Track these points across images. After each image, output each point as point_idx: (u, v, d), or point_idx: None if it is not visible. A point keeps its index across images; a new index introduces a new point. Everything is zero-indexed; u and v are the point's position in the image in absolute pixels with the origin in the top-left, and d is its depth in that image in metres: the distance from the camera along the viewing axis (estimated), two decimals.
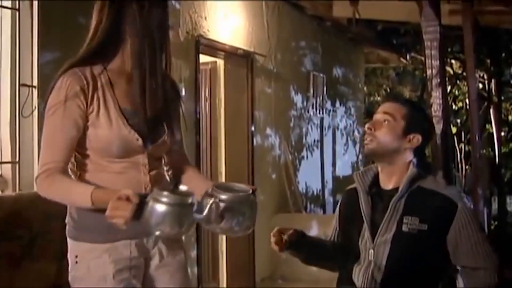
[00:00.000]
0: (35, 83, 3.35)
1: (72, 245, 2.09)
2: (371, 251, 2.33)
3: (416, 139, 2.38)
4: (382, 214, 2.35)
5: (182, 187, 2.08)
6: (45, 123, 2.02)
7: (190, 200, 1.86)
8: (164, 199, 1.82)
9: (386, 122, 2.38)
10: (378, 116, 2.41)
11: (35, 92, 3.34)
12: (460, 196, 2.36)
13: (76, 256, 2.06)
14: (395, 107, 2.42)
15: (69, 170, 2.06)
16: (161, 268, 2.14)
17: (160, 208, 1.81)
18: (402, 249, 2.29)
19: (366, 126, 2.42)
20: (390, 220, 2.32)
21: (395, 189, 2.36)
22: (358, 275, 2.36)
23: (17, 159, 3.30)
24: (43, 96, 3.36)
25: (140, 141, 2.04)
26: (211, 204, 1.90)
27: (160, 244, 2.14)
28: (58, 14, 3.50)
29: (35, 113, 3.34)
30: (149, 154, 2.08)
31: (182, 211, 1.84)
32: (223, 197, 1.97)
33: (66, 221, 2.12)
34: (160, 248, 2.14)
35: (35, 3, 3.32)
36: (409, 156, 2.39)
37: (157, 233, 1.87)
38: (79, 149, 2.05)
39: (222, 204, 1.96)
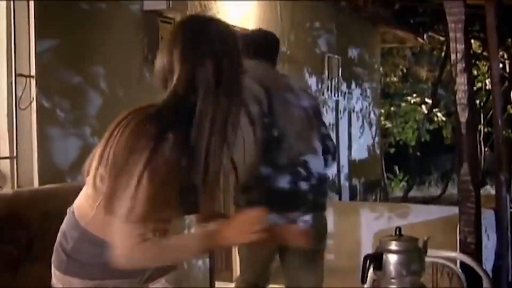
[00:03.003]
0: (32, 73, 3.19)
1: (58, 276, 1.94)
2: None
3: None
4: None
5: None
6: None
7: None
8: None
9: None
10: None
11: (33, 82, 3.19)
12: None
13: None
14: None
15: None
16: None
17: None
18: None
19: None
20: None
21: None
22: None
23: (14, 154, 3.14)
24: (42, 87, 3.26)
25: None
26: None
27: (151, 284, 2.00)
28: (55, 1, 3.33)
29: (33, 104, 3.18)
30: None
31: None
32: None
33: (55, 248, 1.96)
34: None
35: None
36: None
37: None
38: None
39: None
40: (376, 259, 2.00)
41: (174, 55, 1.79)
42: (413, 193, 11.34)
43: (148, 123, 1.72)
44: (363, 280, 1.99)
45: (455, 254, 2.77)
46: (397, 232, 2.03)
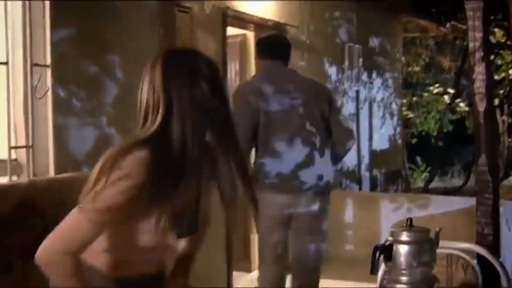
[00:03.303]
0: (48, 62, 3.20)
1: None
2: None
3: None
4: None
5: None
6: None
7: None
8: None
9: None
10: None
11: (49, 72, 3.19)
12: None
13: None
14: None
15: None
16: None
17: None
18: None
19: None
20: None
21: None
22: None
23: (30, 143, 3.16)
24: (57, 76, 3.27)
25: None
26: None
27: None
28: None
29: (49, 94, 3.19)
30: None
31: None
32: None
33: None
34: None
35: None
36: None
37: None
38: None
39: None
40: (386, 250, 1.97)
41: (156, 88, 1.76)
42: (435, 184, 11.25)
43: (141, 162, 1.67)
44: (373, 271, 1.96)
45: (470, 246, 2.74)
46: (408, 223, 2.01)
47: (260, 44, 3.84)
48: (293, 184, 3.55)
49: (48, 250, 1.67)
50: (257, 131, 3.53)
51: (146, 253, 1.82)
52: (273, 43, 3.81)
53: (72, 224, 1.68)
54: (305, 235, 3.69)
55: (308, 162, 3.57)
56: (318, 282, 3.80)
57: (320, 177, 3.62)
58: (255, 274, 5.57)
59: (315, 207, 3.64)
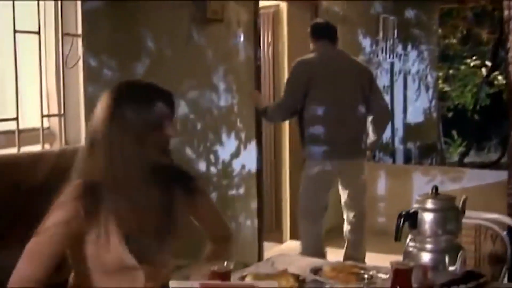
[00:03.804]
0: (79, 32, 3.23)
1: None
2: None
3: None
4: None
5: None
6: None
7: None
8: None
9: None
10: None
11: (80, 41, 3.22)
12: None
13: None
14: None
15: None
16: None
17: None
18: None
19: None
20: None
21: None
22: None
23: (62, 112, 3.20)
24: (88, 46, 3.30)
25: None
26: None
27: None
28: None
29: (80, 63, 3.22)
30: None
31: None
32: None
33: None
34: None
35: None
36: None
37: None
38: None
39: None
40: (411, 217, 1.96)
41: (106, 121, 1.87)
42: (471, 159, 11.11)
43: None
44: (397, 238, 1.95)
45: (500, 216, 2.70)
46: (434, 191, 1.99)
47: (313, 27, 4.37)
48: (338, 151, 4.10)
49: (17, 280, 1.79)
50: (304, 102, 4.08)
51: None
52: (323, 27, 4.36)
53: (31, 251, 1.81)
54: (351, 202, 4.33)
55: (350, 132, 4.14)
56: (364, 253, 4.40)
57: (360, 148, 4.25)
58: (286, 244, 5.61)
59: (358, 173, 4.28)
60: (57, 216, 1.83)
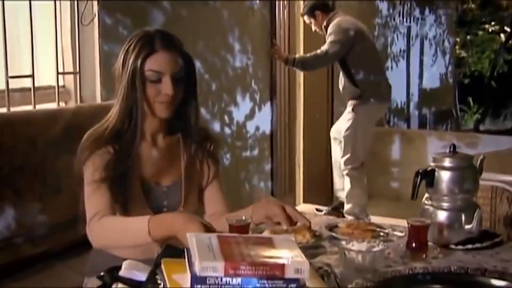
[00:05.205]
0: None
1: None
2: None
3: None
4: None
5: None
6: None
7: None
8: None
9: None
10: None
11: None
12: None
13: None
14: None
15: None
16: None
17: None
18: None
19: None
20: None
21: None
22: None
23: (77, 69, 3.20)
24: (104, 4, 3.27)
25: None
26: None
27: None
28: None
29: (95, 21, 3.19)
30: None
31: None
32: None
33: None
34: None
35: None
36: None
37: None
38: None
39: None
40: (428, 176, 1.94)
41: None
42: (487, 126, 11.04)
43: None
44: (413, 196, 1.94)
45: None
46: (452, 149, 1.97)
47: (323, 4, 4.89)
48: (386, 95, 4.97)
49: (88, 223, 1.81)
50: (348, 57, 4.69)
51: None
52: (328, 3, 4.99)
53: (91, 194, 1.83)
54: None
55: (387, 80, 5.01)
56: None
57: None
58: (299, 208, 5.62)
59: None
60: (95, 164, 1.88)
